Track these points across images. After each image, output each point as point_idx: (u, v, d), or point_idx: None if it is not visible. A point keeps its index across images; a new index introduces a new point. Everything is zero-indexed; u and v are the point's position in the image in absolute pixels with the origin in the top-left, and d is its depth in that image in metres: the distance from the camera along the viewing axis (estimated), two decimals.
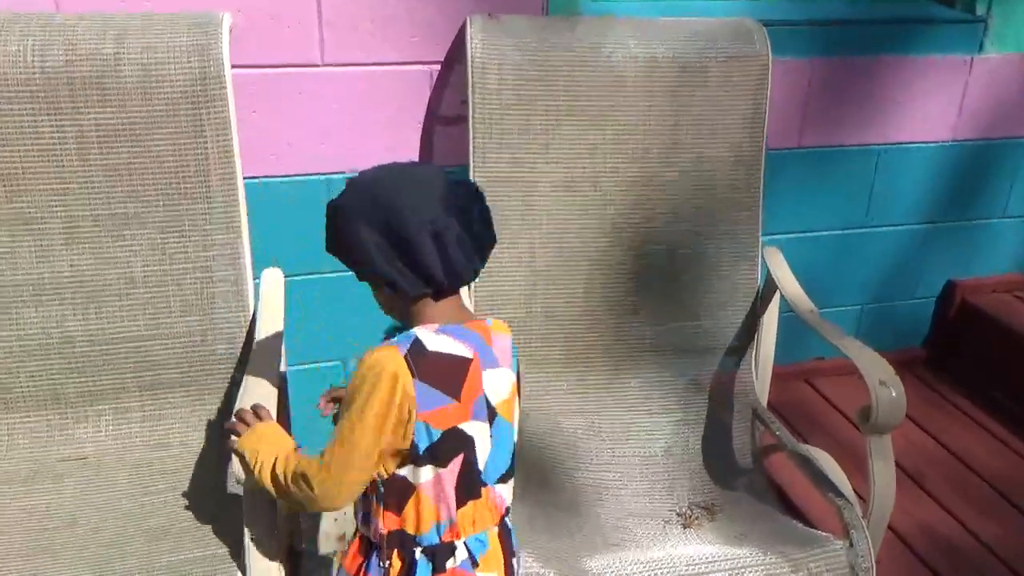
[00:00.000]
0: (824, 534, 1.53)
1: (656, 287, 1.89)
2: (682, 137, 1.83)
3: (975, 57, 2.25)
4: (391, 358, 1.03)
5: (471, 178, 1.74)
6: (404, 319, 1.10)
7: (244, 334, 1.64)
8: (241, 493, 1.24)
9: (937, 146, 2.32)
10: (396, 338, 1.06)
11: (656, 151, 1.83)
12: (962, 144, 2.34)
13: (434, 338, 1.06)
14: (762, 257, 1.93)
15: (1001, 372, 2.43)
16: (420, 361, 1.04)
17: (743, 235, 1.90)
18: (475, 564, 1.12)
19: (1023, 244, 2.58)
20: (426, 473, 1.07)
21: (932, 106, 2.27)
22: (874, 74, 2.18)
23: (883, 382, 1.52)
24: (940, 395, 2.46)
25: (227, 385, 1.65)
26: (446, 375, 1.06)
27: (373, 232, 1.03)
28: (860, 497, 1.61)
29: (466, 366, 1.07)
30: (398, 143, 1.88)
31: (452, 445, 1.07)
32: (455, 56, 1.84)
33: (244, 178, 1.64)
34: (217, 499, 1.54)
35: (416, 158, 1.91)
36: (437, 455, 1.06)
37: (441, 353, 1.06)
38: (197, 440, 1.65)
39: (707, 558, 1.50)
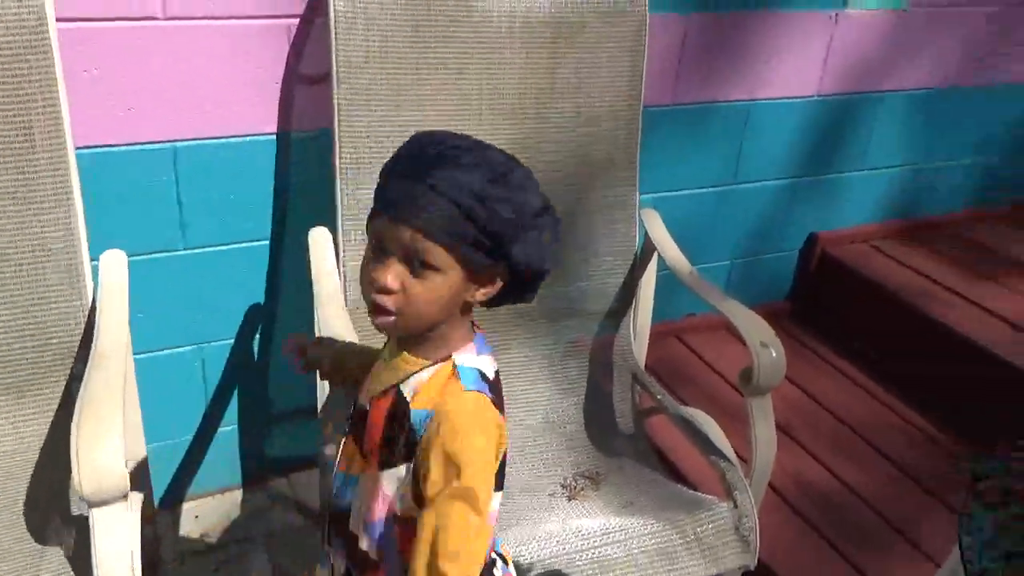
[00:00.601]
0: (709, 497, 1.54)
1: None
2: (559, 94, 1.76)
3: (839, 12, 2.28)
4: (485, 408, 0.90)
5: (336, 140, 1.61)
6: (442, 327, 0.92)
7: (83, 323, 1.47)
8: (86, 514, 1.10)
9: (803, 101, 2.36)
10: (464, 378, 0.91)
11: (532, 109, 1.75)
12: (825, 99, 2.39)
13: (484, 361, 0.95)
14: (639, 218, 1.91)
15: (861, 321, 2.53)
16: (496, 395, 0.93)
17: (621, 195, 1.87)
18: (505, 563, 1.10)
19: (879, 195, 2.69)
20: (496, 501, 0.95)
21: (799, 62, 2.30)
22: (746, 29, 2.18)
23: (764, 343, 1.53)
24: (805, 346, 2.55)
25: (65, 380, 1.48)
26: (502, 397, 0.96)
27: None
28: (739, 455, 1.62)
29: (499, 382, 0.97)
30: (255, 106, 1.73)
31: (503, 465, 0.96)
32: (316, 9, 1.69)
33: (77, 148, 1.46)
34: (60, 515, 1.39)
35: (275, 121, 1.76)
36: (500, 481, 0.95)
37: (498, 379, 0.96)
38: (30, 447, 1.48)
39: (599, 529, 1.48)
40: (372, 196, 0.90)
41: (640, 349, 1.95)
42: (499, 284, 0.91)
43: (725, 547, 1.49)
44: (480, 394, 0.91)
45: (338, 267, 1.64)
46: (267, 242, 1.87)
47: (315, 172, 1.76)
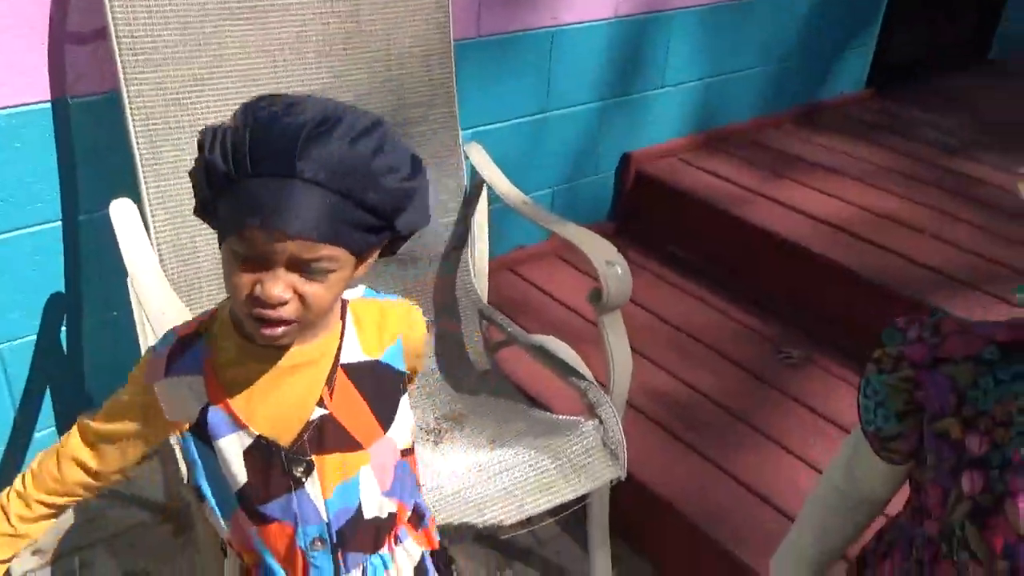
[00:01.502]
0: (574, 418, 1.55)
1: None
2: (366, 33, 1.67)
3: None
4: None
5: (126, 102, 1.45)
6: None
7: None
8: None
9: (603, 24, 2.38)
10: (371, 294, 0.98)
11: (340, 50, 1.66)
12: (623, 20, 2.43)
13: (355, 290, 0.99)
14: (464, 154, 1.87)
15: (677, 230, 2.64)
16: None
17: (443, 133, 1.81)
18: None
19: (681, 110, 2.79)
20: None
21: None
22: None
23: (609, 262, 1.54)
24: (632, 263, 2.61)
25: None
26: None
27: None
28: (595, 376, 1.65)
29: None
30: (15, 68, 1.52)
31: None
32: None
33: None
34: None
35: (47, 86, 1.56)
36: None
37: None
38: None
39: (473, 467, 1.46)
40: (179, 163, 0.80)
41: (482, 284, 1.93)
42: (378, 250, 0.85)
43: (596, 463, 1.51)
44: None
45: (149, 239, 1.49)
46: (59, 223, 1.68)
47: (105, 140, 1.59)
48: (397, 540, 0.97)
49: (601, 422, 1.52)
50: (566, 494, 1.48)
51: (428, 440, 1.63)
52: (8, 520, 0.90)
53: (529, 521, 1.48)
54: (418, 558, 0.99)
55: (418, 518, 1.01)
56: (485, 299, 1.93)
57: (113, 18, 1.42)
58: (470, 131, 2.21)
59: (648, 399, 2.05)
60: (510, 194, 1.80)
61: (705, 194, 2.60)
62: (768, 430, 1.97)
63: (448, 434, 1.63)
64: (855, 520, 0.99)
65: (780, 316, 2.35)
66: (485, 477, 1.45)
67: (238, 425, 0.86)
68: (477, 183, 1.87)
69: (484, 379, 1.79)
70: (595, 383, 1.59)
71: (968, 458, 0.78)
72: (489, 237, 1.93)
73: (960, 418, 0.79)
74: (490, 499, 1.42)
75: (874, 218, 2.50)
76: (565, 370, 1.63)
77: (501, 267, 2.50)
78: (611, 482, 1.55)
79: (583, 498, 1.52)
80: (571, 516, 1.67)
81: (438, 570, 1.03)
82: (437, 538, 1.05)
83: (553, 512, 1.48)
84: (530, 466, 1.47)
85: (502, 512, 1.44)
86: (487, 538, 1.85)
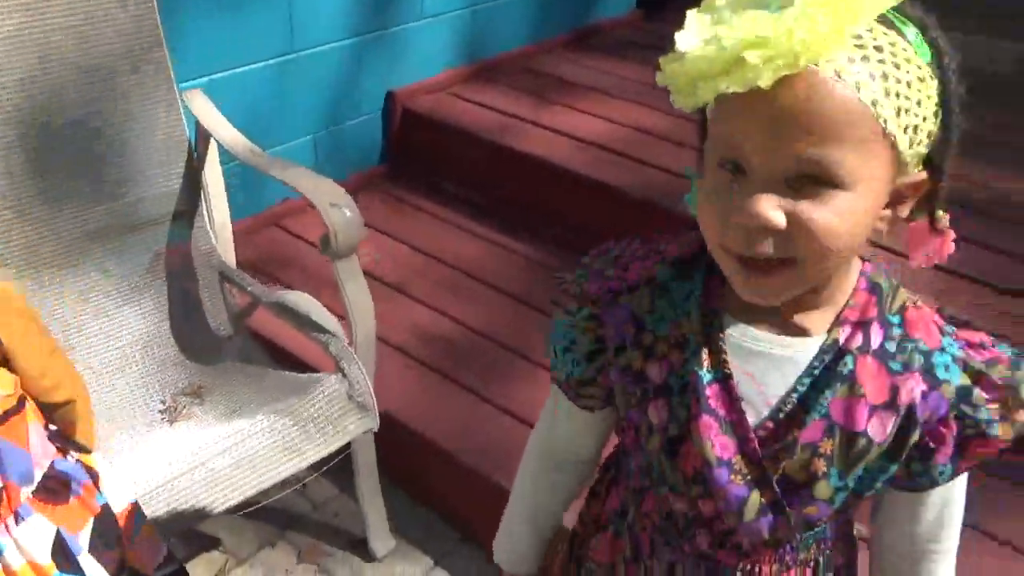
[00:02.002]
0: (315, 375, 1.47)
1: (75, 167, 1.57)
2: None
3: None
4: None
5: None
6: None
7: None
8: None
9: None
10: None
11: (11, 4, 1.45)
12: None
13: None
14: (185, 106, 1.71)
15: (450, 167, 2.58)
16: None
17: (154, 85, 1.64)
18: None
19: (446, 42, 2.70)
20: None
21: None
22: None
23: (334, 204, 1.45)
24: (406, 203, 2.54)
25: None
26: None
27: None
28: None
29: None
30: None
31: None
32: None
33: None
34: None
35: None
36: None
37: None
38: None
39: (210, 442, 1.35)
40: None
41: (225, 246, 1.80)
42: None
43: (344, 417, 1.44)
44: None
45: None
46: None
47: None
48: (18, 518, 0.87)
49: (345, 375, 1.45)
50: (313, 454, 1.40)
51: (163, 420, 1.51)
52: None
53: (286, 483, 1.41)
54: (52, 535, 0.89)
55: (59, 489, 0.91)
56: (231, 260, 1.80)
57: None
58: (205, 79, 2.04)
59: (420, 342, 1.99)
60: (235, 144, 1.67)
61: (475, 127, 2.54)
62: (545, 361, 1.96)
63: (186, 411, 1.52)
64: (567, 484, 0.94)
65: (555, 242, 2.34)
66: (220, 450, 1.35)
67: None
68: (203, 135, 1.72)
69: (228, 345, 1.68)
70: (339, 335, 1.51)
71: (652, 388, 0.75)
72: (251, 192, 1.79)
73: (641, 348, 0.75)
74: (225, 472, 1.33)
75: (641, 136, 2.52)
76: (308, 326, 1.53)
77: (267, 223, 2.36)
78: (365, 433, 1.49)
79: (344, 452, 1.46)
80: (347, 475, 1.60)
81: (105, 539, 0.93)
82: (100, 504, 0.96)
83: (316, 468, 1.41)
84: (269, 432, 1.38)
85: (243, 484, 1.35)
86: (261, 510, 1.76)
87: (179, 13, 1.91)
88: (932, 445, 0.70)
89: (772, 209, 0.60)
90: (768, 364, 0.71)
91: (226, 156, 1.72)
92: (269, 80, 2.21)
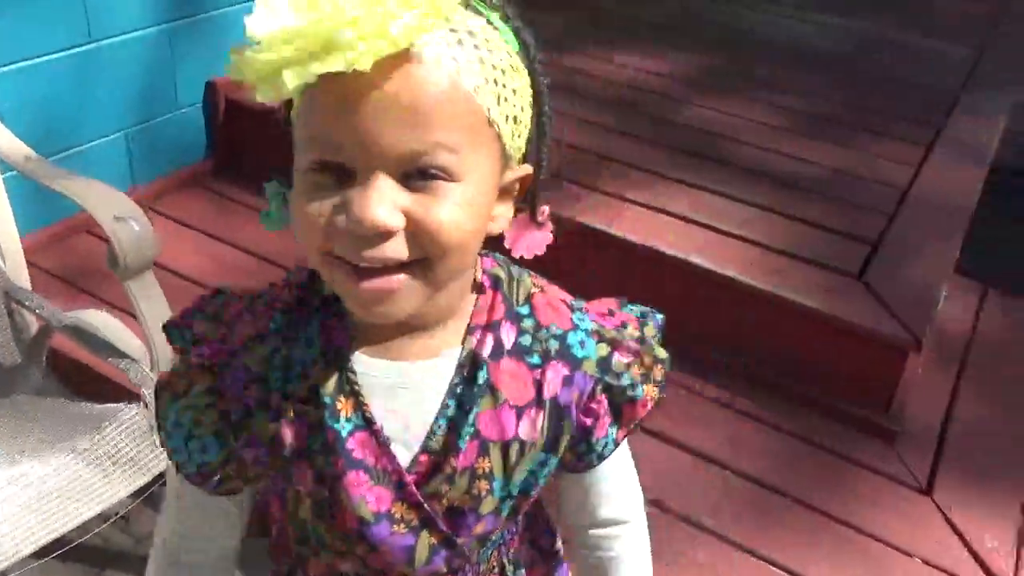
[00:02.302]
0: (113, 406, 1.33)
1: None
2: None
3: None
4: None
5: None
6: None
7: None
8: None
9: None
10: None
11: None
12: None
13: None
14: None
15: (280, 160, 2.42)
16: None
17: None
18: None
19: None
20: None
21: None
22: None
23: (119, 217, 1.31)
24: (235, 200, 2.38)
25: None
26: None
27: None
28: None
29: None
30: None
31: None
32: None
33: None
34: None
35: None
36: None
37: None
38: None
39: None
40: None
41: (14, 263, 1.61)
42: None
43: (147, 452, 1.30)
44: None
45: None
46: None
47: None
48: None
49: (146, 404, 1.32)
50: (111, 496, 1.27)
51: None
52: None
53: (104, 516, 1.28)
54: None
55: None
56: (24, 277, 1.61)
57: None
58: None
59: None
60: (9, 151, 1.49)
61: None
62: None
63: None
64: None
65: None
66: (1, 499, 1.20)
67: None
68: None
69: (16, 375, 1.50)
70: (140, 360, 1.37)
71: (291, 452, 0.65)
72: (52, 200, 1.59)
73: (269, 410, 0.65)
74: (10, 523, 1.18)
75: None
76: (106, 350, 1.39)
77: (77, 229, 2.16)
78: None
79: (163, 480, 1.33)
80: None
81: None
82: None
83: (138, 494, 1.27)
84: (58, 475, 1.24)
85: (32, 533, 1.21)
86: (74, 550, 1.60)
87: None
88: (589, 423, 0.69)
89: (388, 210, 0.55)
90: (409, 395, 0.65)
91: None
92: (64, 73, 2.01)
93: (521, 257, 0.68)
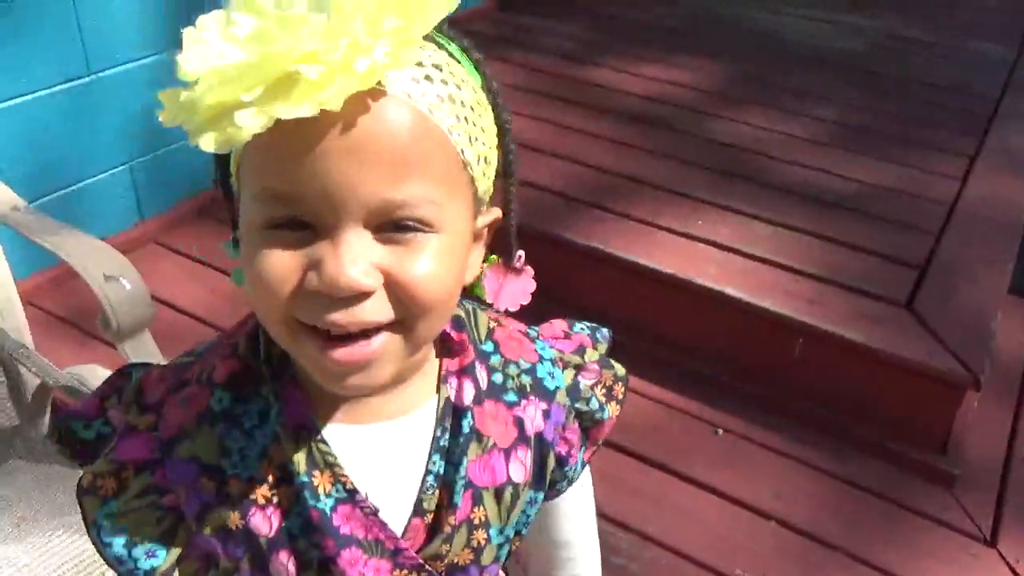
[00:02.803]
0: None
1: None
2: None
3: None
4: None
5: None
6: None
7: None
8: None
9: None
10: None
11: None
12: None
13: None
14: None
15: None
16: None
17: None
18: None
19: None
20: None
21: None
22: None
23: (110, 276, 1.21)
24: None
25: None
26: None
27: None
28: None
29: None
30: None
31: None
32: None
33: None
34: None
35: None
36: None
37: None
38: None
39: None
40: None
41: (12, 317, 1.52)
42: None
43: None
44: None
45: None
46: None
47: None
48: None
49: None
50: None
51: None
52: None
53: None
54: None
55: None
56: (22, 327, 1.52)
57: None
58: None
59: None
60: None
61: None
62: None
63: None
64: None
65: None
66: None
67: None
68: None
69: (15, 440, 1.41)
70: None
71: (266, 542, 0.58)
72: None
73: (231, 501, 0.58)
74: None
75: None
76: None
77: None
78: None
79: None
80: None
81: None
82: None
83: None
84: (60, 552, 1.15)
85: None
86: None
87: None
88: (564, 452, 0.66)
89: (364, 269, 0.48)
90: (391, 456, 0.60)
91: None
92: (62, 108, 1.93)
93: (506, 310, 0.64)
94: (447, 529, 0.60)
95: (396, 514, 0.60)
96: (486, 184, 0.56)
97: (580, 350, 0.69)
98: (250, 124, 0.44)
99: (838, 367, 1.73)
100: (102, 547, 0.59)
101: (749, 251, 1.91)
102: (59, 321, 1.95)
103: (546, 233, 1.97)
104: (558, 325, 0.71)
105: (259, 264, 0.50)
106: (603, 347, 0.71)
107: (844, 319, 1.73)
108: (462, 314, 0.63)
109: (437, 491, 0.60)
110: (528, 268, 0.64)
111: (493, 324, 0.66)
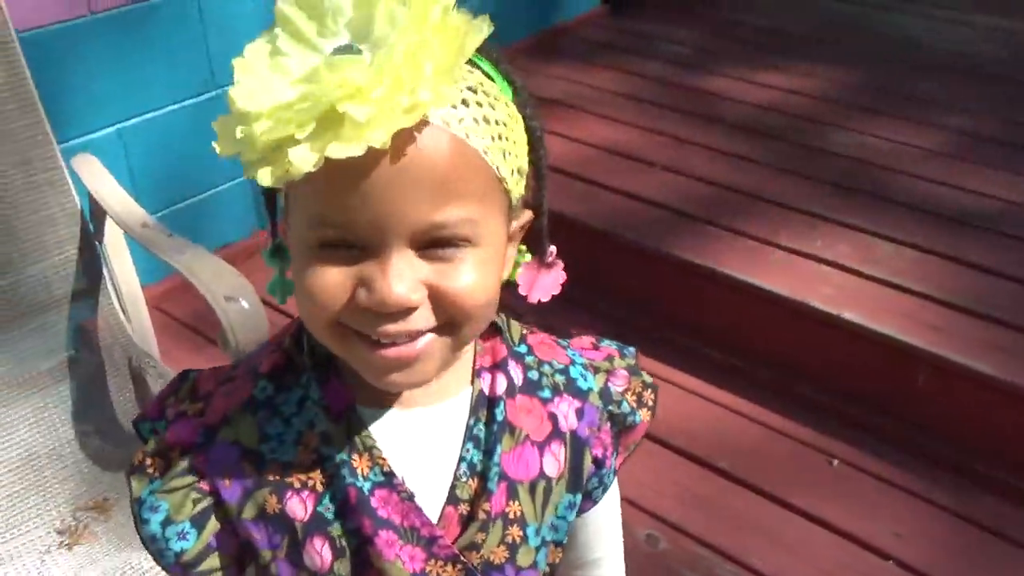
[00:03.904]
0: None
1: None
2: None
3: None
4: None
5: None
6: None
7: None
8: None
9: None
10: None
11: None
12: None
13: None
14: (72, 170, 1.51)
15: None
16: None
17: (30, 152, 1.44)
18: None
19: None
20: None
21: None
22: None
23: (230, 297, 1.26)
24: None
25: None
26: None
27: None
28: None
29: None
30: None
31: None
32: None
33: None
34: None
35: None
36: None
37: None
38: None
39: (113, 571, 1.17)
40: None
41: (139, 323, 1.60)
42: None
43: None
44: None
45: None
46: None
47: None
48: None
49: None
50: None
51: (62, 545, 1.31)
52: None
53: None
54: None
55: None
56: (149, 337, 1.61)
57: None
58: (112, 128, 1.84)
59: None
60: (126, 216, 1.47)
61: None
62: None
63: (87, 531, 1.33)
64: None
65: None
66: None
67: None
68: (99, 205, 1.52)
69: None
70: None
71: (300, 527, 0.61)
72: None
73: (269, 485, 0.61)
74: None
75: (602, 155, 2.32)
76: None
77: None
78: None
79: None
80: None
81: None
82: None
83: None
84: None
85: None
86: None
87: (71, 62, 1.71)
88: (600, 455, 0.68)
89: (410, 286, 0.53)
90: (427, 443, 0.63)
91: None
92: (190, 121, 2.01)
93: (539, 301, 0.66)
94: (482, 516, 0.61)
95: (430, 502, 0.62)
96: (519, 191, 0.59)
97: (609, 359, 0.72)
98: (304, 162, 0.47)
99: (965, 400, 1.64)
100: (140, 523, 0.63)
101: (869, 272, 1.83)
102: (182, 326, 2.04)
103: (656, 250, 1.94)
104: (587, 339, 0.74)
105: (311, 280, 0.53)
106: (630, 361, 0.73)
107: (973, 349, 1.63)
108: (498, 320, 0.66)
109: (471, 480, 0.62)
110: (558, 261, 0.66)
111: (525, 331, 0.69)
